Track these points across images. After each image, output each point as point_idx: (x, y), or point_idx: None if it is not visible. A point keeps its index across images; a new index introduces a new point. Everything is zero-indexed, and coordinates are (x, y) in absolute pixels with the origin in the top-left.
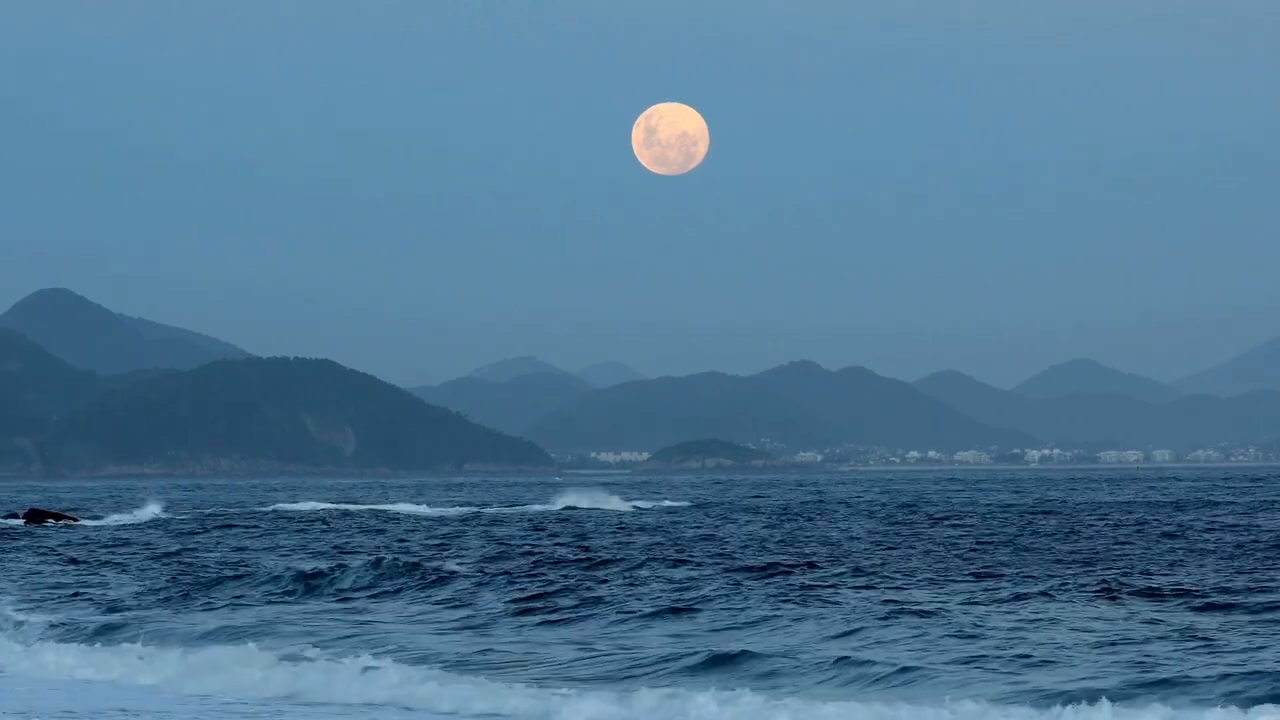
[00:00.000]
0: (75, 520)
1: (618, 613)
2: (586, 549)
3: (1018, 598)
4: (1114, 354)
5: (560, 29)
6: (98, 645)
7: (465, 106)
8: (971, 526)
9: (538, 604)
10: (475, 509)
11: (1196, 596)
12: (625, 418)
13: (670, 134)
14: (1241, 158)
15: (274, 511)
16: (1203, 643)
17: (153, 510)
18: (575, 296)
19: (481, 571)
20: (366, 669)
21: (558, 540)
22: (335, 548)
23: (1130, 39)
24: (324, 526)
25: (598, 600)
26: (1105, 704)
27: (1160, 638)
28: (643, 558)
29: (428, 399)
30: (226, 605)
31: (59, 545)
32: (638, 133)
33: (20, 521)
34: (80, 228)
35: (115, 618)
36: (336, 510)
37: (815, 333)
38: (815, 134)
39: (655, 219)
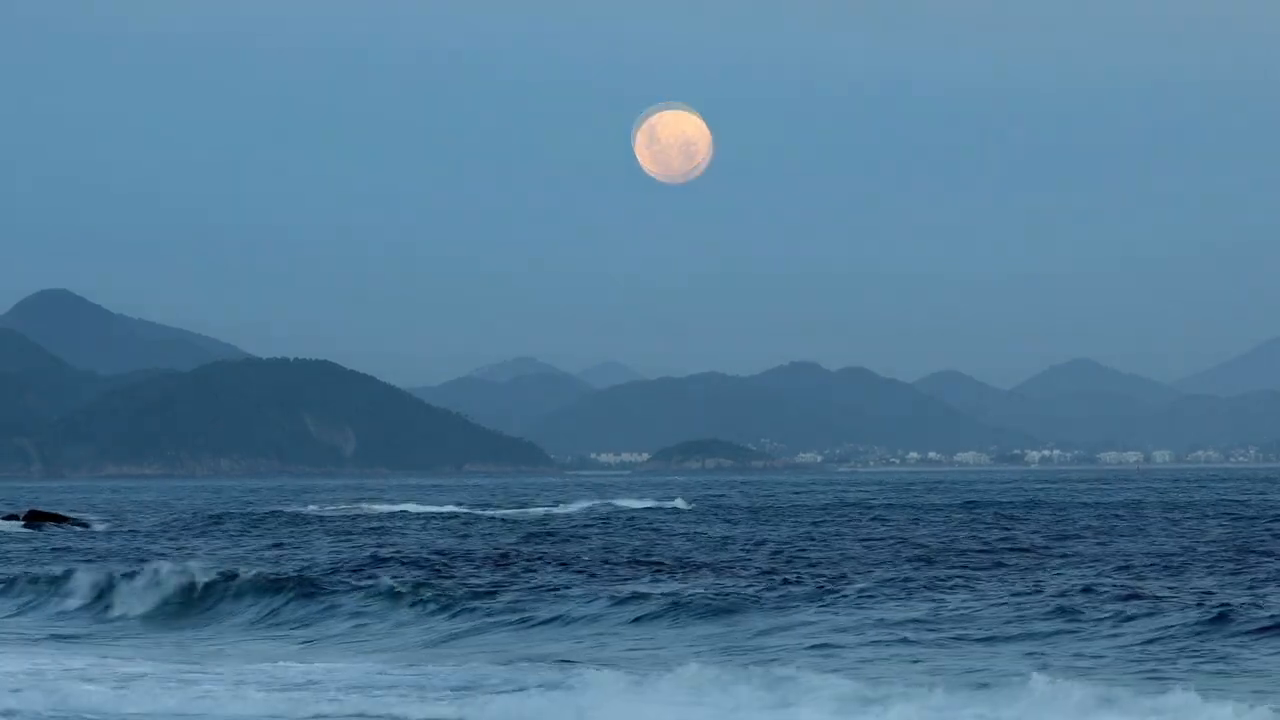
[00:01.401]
0: (75, 522)
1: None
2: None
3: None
4: (1114, 354)
5: (561, 29)
6: None
7: (464, 106)
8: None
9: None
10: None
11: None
12: (625, 418)
13: (671, 137)
14: (1241, 157)
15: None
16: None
17: (150, 514)
18: (575, 296)
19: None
20: None
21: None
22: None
23: (1129, 38)
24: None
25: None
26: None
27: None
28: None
29: (428, 399)
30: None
31: (48, 548)
32: (638, 136)
33: (19, 523)
34: (80, 228)
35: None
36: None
37: (815, 333)
38: (814, 133)
39: (656, 220)
